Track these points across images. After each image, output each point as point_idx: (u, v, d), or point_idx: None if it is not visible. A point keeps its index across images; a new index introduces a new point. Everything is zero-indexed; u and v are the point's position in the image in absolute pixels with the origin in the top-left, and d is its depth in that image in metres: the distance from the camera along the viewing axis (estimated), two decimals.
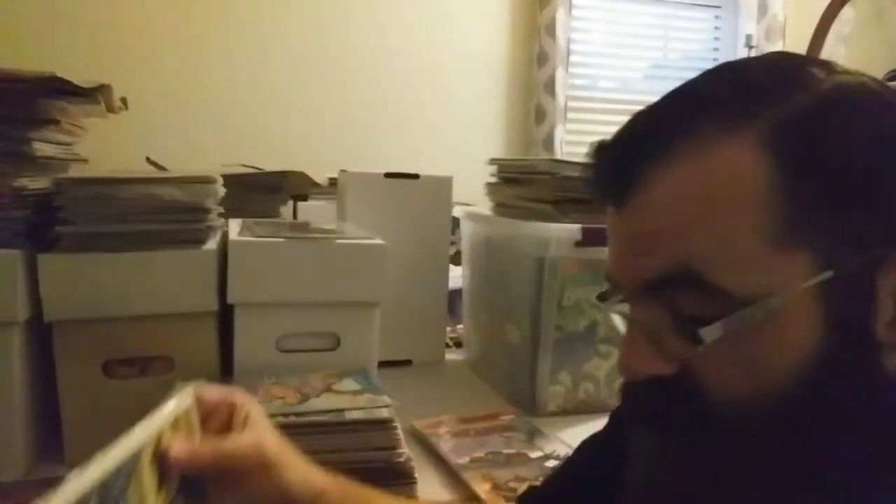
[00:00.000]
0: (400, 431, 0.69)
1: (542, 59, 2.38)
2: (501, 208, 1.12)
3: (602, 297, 0.43)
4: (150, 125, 1.90)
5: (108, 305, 0.75)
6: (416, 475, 0.69)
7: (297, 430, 0.66)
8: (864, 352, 0.34)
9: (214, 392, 0.51)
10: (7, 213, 0.72)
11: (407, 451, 0.69)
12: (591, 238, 0.90)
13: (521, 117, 2.47)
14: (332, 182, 1.30)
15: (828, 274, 0.32)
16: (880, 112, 0.35)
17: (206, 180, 0.81)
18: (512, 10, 2.43)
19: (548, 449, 0.82)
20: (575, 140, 2.42)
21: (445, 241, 1.18)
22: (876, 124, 0.34)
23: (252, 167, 1.34)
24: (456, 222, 1.25)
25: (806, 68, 0.36)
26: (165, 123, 2.02)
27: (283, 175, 1.21)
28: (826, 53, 2.38)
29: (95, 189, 0.75)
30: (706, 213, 0.34)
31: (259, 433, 0.50)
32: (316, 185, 1.31)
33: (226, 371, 0.81)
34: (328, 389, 0.73)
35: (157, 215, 0.77)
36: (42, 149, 0.78)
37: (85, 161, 0.95)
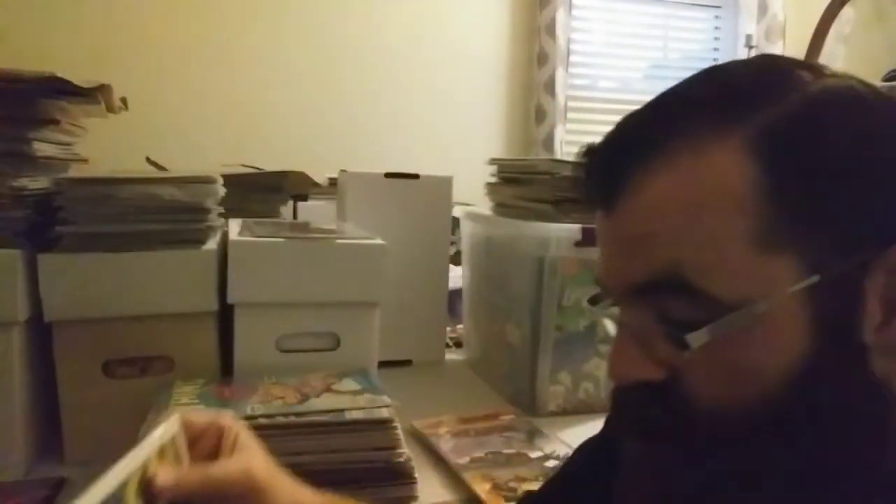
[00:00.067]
0: (400, 431, 0.69)
1: (542, 59, 2.39)
2: (501, 208, 1.12)
3: (593, 301, 0.43)
4: (150, 125, 1.90)
5: (108, 305, 0.75)
6: (416, 475, 0.69)
7: (297, 430, 0.66)
8: (852, 356, 0.33)
9: (202, 416, 0.50)
10: (7, 213, 0.72)
11: (407, 451, 0.69)
12: (591, 238, 0.90)
13: (521, 117, 2.47)
14: (332, 182, 1.30)
15: (815, 278, 0.32)
16: (867, 115, 0.34)
17: (206, 180, 0.81)
18: (512, 10, 2.43)
19: (548, 449, 0.82)
20: (575, 140, 2.42)
21: (445, 241, 1.18)
22: (862, 127, 0.34)
23: (252, 167, 1.34)
24: (456, 222, 1.25)
25: (793, 71, 0.35)
26: (165, 123, 2.02)
27: (283, 175, 1.21)
28: (826, 53, 2.38)
29: (95, 189, 0.75)
30: (693, 217, 0.34)
31: (248, 458, 0.49)
32: (316, 185, 1.31)
33: (226, 371, 0.81)
34: (328, 389, 0.73)
35: (157, 215, 0.77)
36: (42, 149, 0.78)
37: (85, 161, 0.95)
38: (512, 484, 0.72)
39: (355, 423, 0.67)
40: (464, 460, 0.77)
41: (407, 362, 1.15)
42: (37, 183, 0.76)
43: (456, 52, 2.37)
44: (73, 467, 0.73)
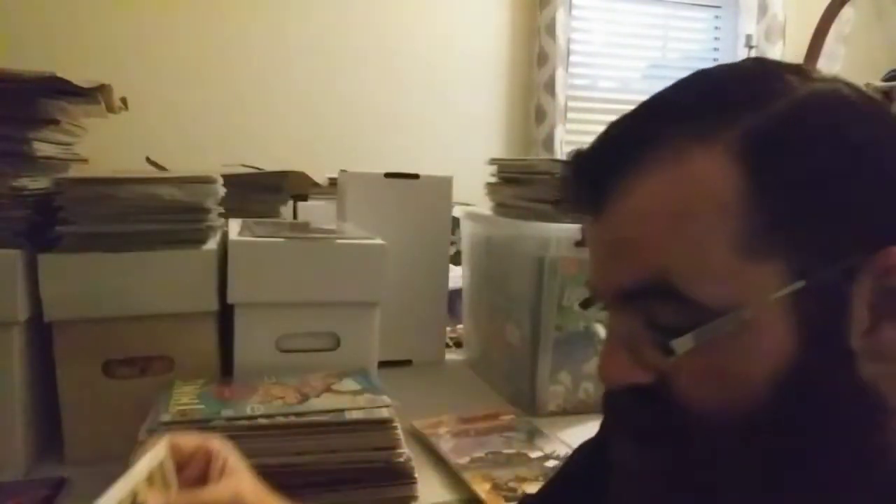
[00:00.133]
0: (400, 431, 0.69)
1: (542, 59, 2.39)
2: (501, 208, 1.12)
3: (585, 305, 0.43)
4: (150, 125, 1.90)
5: (108, 305, 0.75)
6: (416, 475, 0.69)
7: (297, 430, 0.66)
8: (838, 361, 0.33)
9: (190, 440, 0.50)
10: (7, 213, 0.72)
11: (407, 451, 0.69)
12: None
13: (521, 117, 2.47)
14: (332, 182, 1.30)
15: (800, 283, 0.32)
16: (854, 119, 0.34)
17: (206, 180, 0.81)
18: (512, 10, 2.43)
19: (548, 449, 0.82)
20: (575, 140, 2.42)
21: (445, 241, 1.18)
22: (848, 132, 0.34)
23: (252, 167, 1.34)
24: (456, 222, 1.25)
25: (781, 75, 0.35)
26: (165, 123, 2.02)
27: (283, 175, 1.21)
28: (826, 53, 2.38)
29: (95, 189, 0.75)
30: (678, 223, 0.33)
31: (237, 481, 0.49)
32: (316, 185, 1.31)
33: (226, 371, 0.81)
34: (328, 389, 0.73)
35: (157, 215, 0.77)
36: (42, 149, 0.78)
37: (85, 161, 0.95)
38: (512, 484, 0.73)
39: (355, 423, 0.67)
40: (464, 460, 0.77)
41: (407, 362, 1.15)
42: (37, 183, 0.76)
43: (456, 52, 2.37)
44: (73, 467, 0.73)
